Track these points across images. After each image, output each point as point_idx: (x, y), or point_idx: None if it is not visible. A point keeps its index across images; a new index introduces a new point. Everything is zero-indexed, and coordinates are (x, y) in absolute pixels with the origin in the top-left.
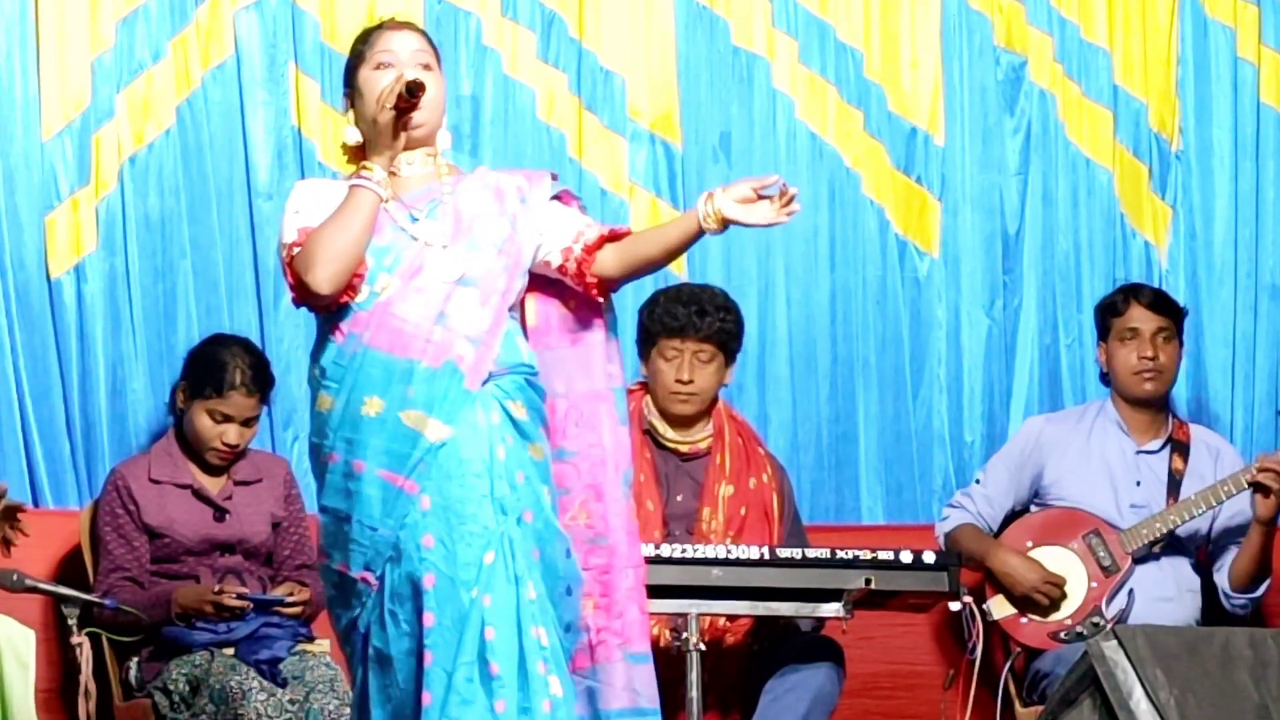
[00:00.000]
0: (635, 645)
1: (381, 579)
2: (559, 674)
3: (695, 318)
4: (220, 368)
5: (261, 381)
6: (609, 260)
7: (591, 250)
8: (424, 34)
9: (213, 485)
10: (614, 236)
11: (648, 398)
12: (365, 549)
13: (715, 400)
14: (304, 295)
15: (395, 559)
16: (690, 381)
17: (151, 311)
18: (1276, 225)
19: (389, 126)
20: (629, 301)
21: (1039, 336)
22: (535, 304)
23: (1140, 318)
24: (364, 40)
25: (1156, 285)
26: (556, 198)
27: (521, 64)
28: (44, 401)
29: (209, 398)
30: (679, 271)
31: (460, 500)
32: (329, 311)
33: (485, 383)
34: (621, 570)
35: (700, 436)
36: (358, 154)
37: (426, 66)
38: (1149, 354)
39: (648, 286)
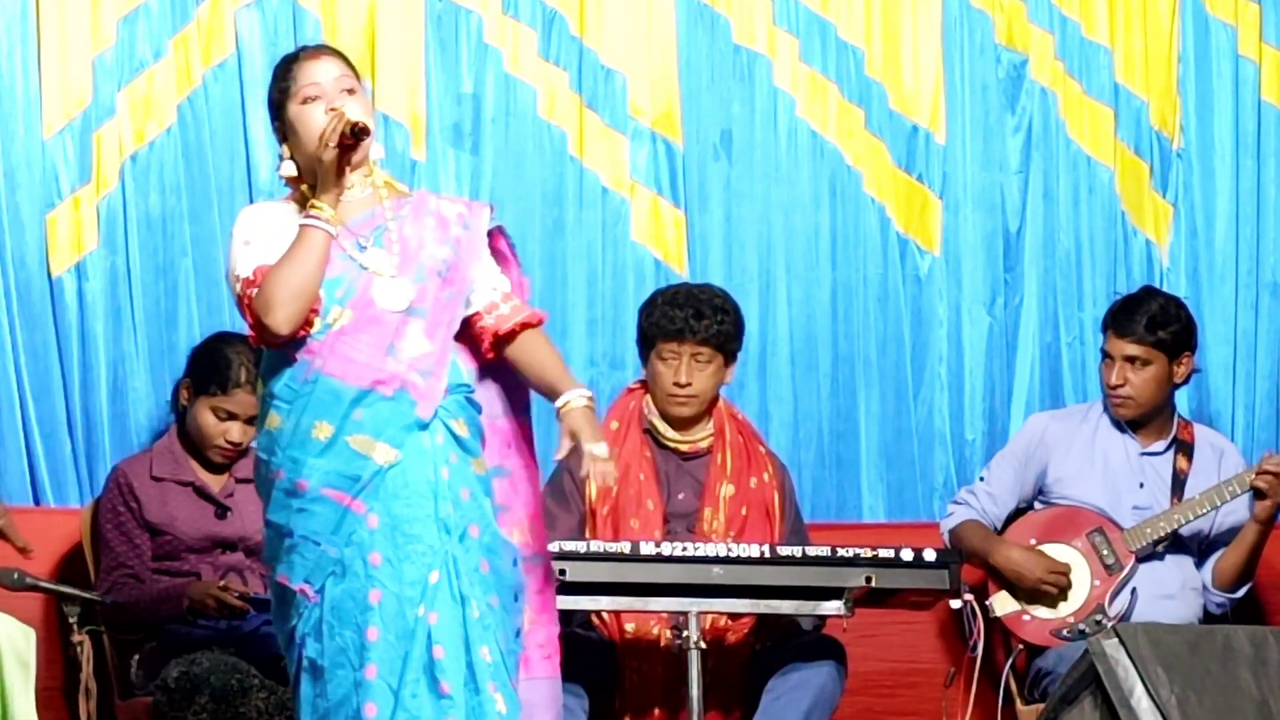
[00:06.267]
0: (558, 661)
1: (320, 592)
2: (504, 692)
3: (692, 320)
4: (225, 365)
5: None
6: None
7: (502, 339)
8: (341, 56)
9: (214, 483)
10: (524, 326)
11: (648, 397)
12: (307, 562)
13: (715, 400)
14: (263, 335)
15: (338, 574)
16: (688, 384)
17: (153, 310)
18: (1278, 223)
19: (333, 166)
20: (630, 301)
21: (1040, 334)
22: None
23: (1112, 344)
24: (285, 74)
25: (1159, 286)
26: (490, 234)
27: (522, 62)
28: (45, 400)
29: (213, 395)
30: (680, 270)
31: (407, 520)
32: (284, 346)
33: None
34: (552, 587)
35: (701, 436)
36: (295, 182)
37: (350, 91)
38: (1112, 382)
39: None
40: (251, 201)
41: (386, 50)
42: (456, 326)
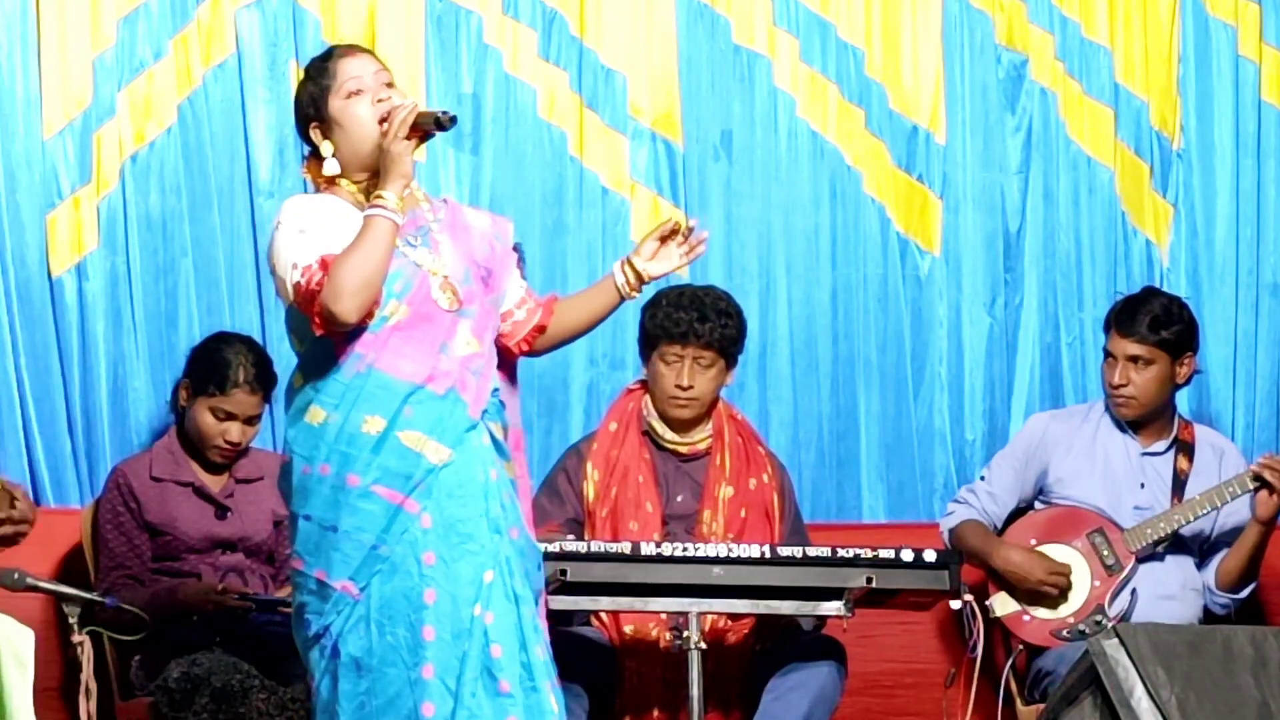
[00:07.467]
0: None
1: (364, 590)
2: (555, 691)
3: (696, 324)
4: (224, 365)
5: (264, 379)
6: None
7: (543, 329)
8: (373, 54)
9: (214, 483)
10: (550, 312)
11: (647, 398)
12: (350, 559)
13: (715, 401)
14: (330, 324)
15: (386, 572)
16: (690, 387)
17: (153, 310)
18: (1278, 224)
19: (405, 156)
20: (630, 301)
21: (1040, 335)
22: None
23: (1115, 343)
24: (321, 73)
25: (1159, 286)
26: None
27: (523, 62)
28: (45, 400)
29: (212, 395)
30: (680, 272)
31: (460, 519)
32: (335, 340)
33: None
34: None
35: (700, 437)
36: (330, 180)
37: (389, 84)
38: (1115, 381)
39: (649, 287)
40: (251, 201)
41: (386, 50)
42: (496, 332)
